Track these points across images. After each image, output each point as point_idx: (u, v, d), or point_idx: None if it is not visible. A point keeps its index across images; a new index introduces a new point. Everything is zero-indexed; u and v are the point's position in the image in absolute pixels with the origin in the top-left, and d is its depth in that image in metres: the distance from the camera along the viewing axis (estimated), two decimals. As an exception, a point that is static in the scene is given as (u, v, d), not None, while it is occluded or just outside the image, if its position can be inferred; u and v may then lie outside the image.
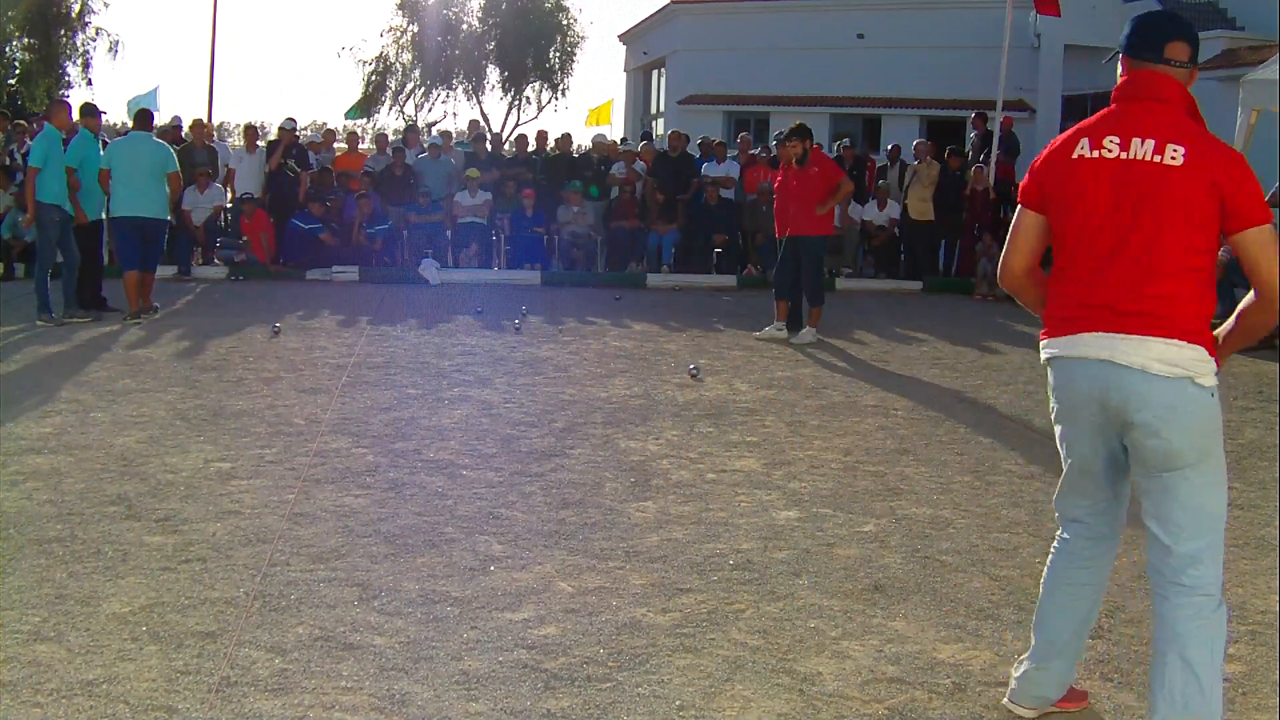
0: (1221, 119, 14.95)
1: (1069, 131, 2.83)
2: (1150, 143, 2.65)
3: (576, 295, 12.54)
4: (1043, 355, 2.84)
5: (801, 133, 9.73)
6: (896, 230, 14.57)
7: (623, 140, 16.34)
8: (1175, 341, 2.60)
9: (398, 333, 9.42)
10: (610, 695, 3.02)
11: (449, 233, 14.49)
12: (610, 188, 14.78)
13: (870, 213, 14.71)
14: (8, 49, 28.69)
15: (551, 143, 15.58)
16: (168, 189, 9.79)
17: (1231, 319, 2.77)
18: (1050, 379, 2.83)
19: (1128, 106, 2.75)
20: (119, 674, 3.04)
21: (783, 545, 4.31)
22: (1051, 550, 3.03)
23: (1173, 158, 2.62)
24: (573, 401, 6.82)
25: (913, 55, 24.02)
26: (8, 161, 13.59)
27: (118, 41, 30.03)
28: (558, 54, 33.66)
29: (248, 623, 3.41)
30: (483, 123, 32.07)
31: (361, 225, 13.81)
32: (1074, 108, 23.01)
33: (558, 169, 14.84)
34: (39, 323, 9.19)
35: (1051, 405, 2.87)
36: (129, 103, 17.41)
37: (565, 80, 34.30)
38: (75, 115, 10.38)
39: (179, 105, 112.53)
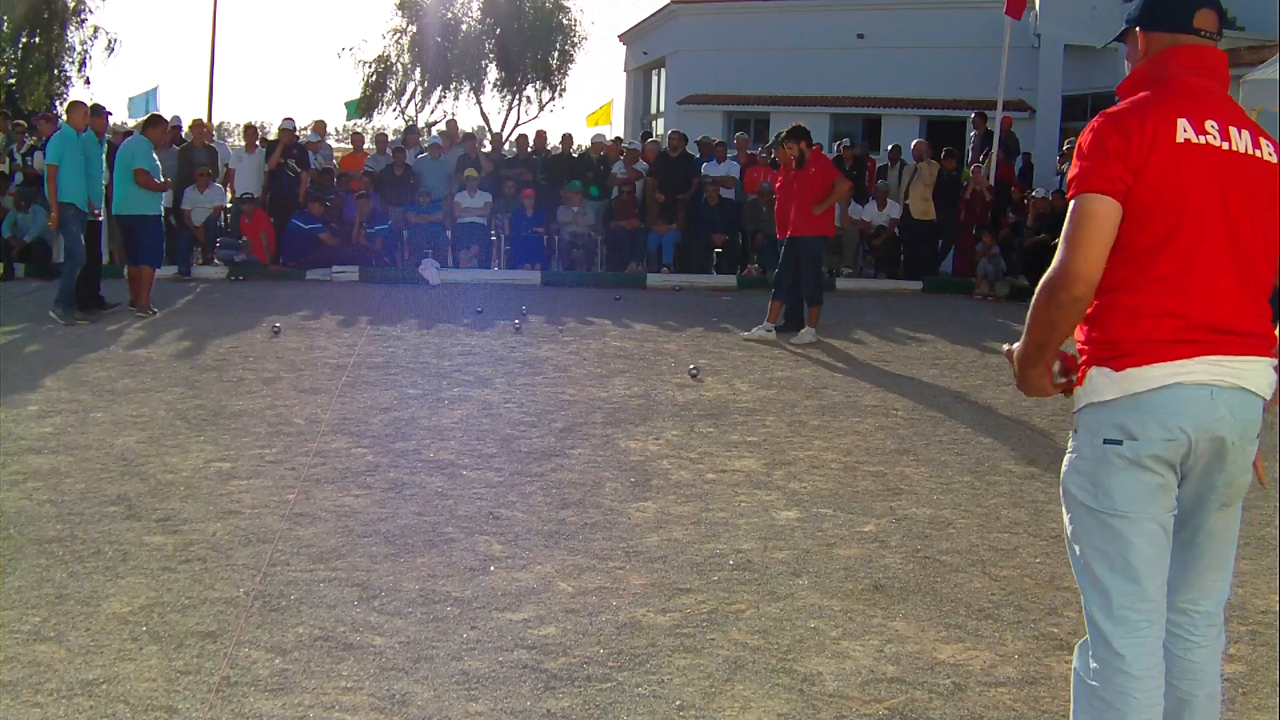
0: (1221, 119, 14.98)
1: (1139, 107, 2.27)
2: (1246, 134, 2.27)
3: (576, 295, 12.54)
4: (1130, 385, 2.22)
5: (798, 134, 9.73)
6: (896, 230, 14.58)
7: (617, 140, 16.34)
8: (1274, 362, 2.31)
9: (398, 333, 9.42)
10: (610, 695, 3.02)
11: (449, 233, 14.50)
12: (610, 188, 14.79)
13: (870, 213, 14.72)
14: (6, 49, 28.67)
15: (553, 143, 15.59)
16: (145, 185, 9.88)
17: None
18: (1140, 414, 2.22)
19: (1196, 84, 2.29)
20: (119, 674, 3.04)
21: (783, 545, 4.31)
22: (1116, 684, 2.27)
23: (1269, 155, 2.30)
24: (573, 401, 6.82)
25: (913, 55, 24.01)
26: (7, 162, 13.60)
27: (115, 40, 30.04)
28: (558, 54, 33.68)
29: (248, 623, 3.41)
30: (483, 122, 32.12)
31: (361, 225, 13.82)
32: (1074, 108, 22.99)
33: (558, 169, 14.85)
34: (57, 318, 9.16)
35: (1126, 451, 2.23)
36: (130, 102, 17.41)
37: (565, 80, 34.35)
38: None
39: (179, 105, 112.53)
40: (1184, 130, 2.22)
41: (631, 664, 3.22)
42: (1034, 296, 2.27)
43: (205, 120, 15.72)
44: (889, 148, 16.47)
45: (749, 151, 15.77)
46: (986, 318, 11.49)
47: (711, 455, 5.64)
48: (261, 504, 4.60)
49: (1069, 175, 2.30)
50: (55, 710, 2.83)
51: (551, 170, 14.88)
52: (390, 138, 16.59)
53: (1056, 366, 2.35)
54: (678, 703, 2.99)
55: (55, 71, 29.32)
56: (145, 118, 10.72)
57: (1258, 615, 3.75)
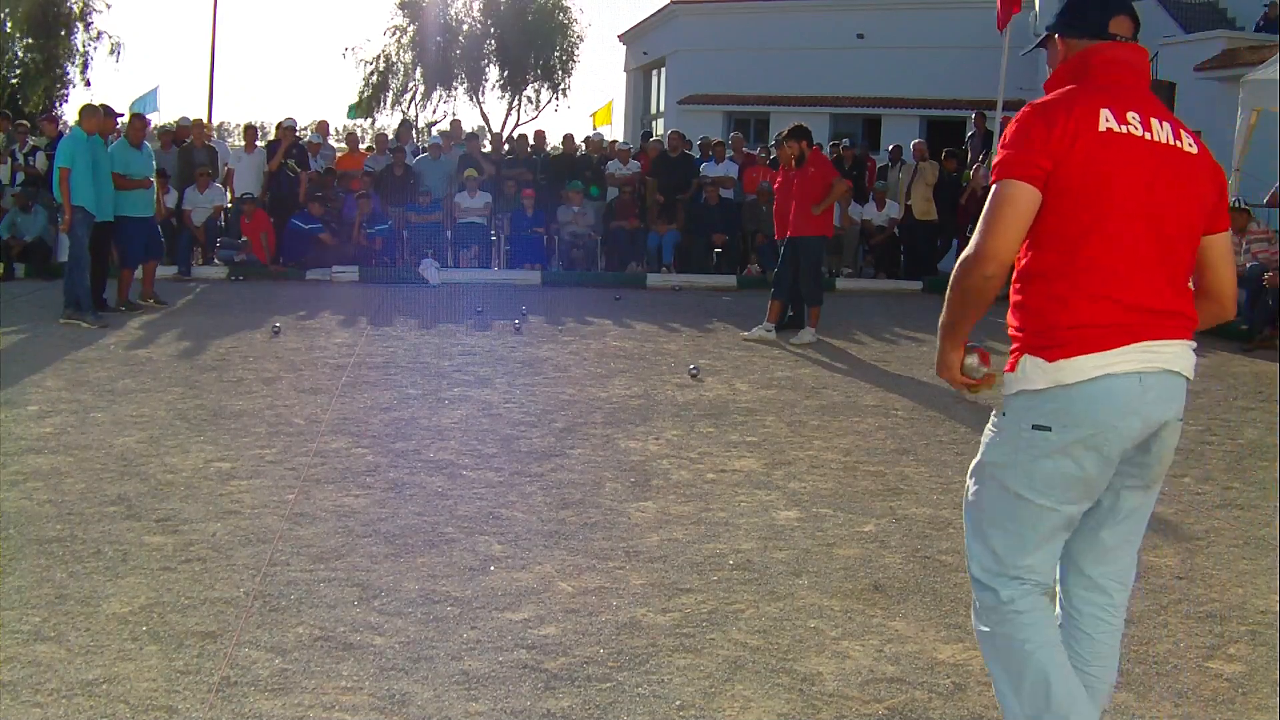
0: (1221, 119, 14.97)
1: (1064, 99, 2.34)
2: (1167, 125, 2.36)
3: (576, 295, 12.54)
4: (1061, 377, 2.29)
5: (798, 134, 9.73)
6: (896, 230, 14.58)
7: (614, 143, 16.34)
8: (1193, 343, 2.41)
9: (398, 333, 9.42)
10: (610, 695, 3.02)
11: (449, 233, 14.50)
12: (608, 187, 14.80)
13: (870, 213, 14.73)
14: (9, 49, 28.68)
15: (555, 142, 15.61)
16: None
17: None
18: (1072, 405, 2.29)
19: (1120, 77, 2.39)
20: (119, 674, 3.04)
21: (783, 545, 4.31)
22: (1009, 622, 2.42)
23: (1190, 146, 2.38)
24: (573, 401, 6.82)
25: (913, 55, 24.02)
26: (9, 162, 13.60)
27: (120, 44, 30.08)
28: (558, 54, 33.70)
29: (248, 623, 3.41)
30: (483, 122, 32.10)
31: (361, 225, 13.82)
32: (1074, 108, 23.00)
33: (558, 169, 14.85)
34: (79, 323, 9.16)
35: (1056, 438, 2.31)
36: (131, 104, 17.42)
37: (565, 80, 34.38)
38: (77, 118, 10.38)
39: (179, 105, 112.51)
40: (1106, 120, 2.29)
41: (631, 664, 3.22)
42: (951, 274, 2.36)
43: (205, 120, 15.66)
44: (890, 148, 16.47)
45: (746, 151, 15.77)
46: (986, 318, 11.45)
47: (711, 455, 5.64)
48: (261, 504, 4.60)
49: (993, 163, 2.37)
50: (55, 710, 2.83)
51: (551, 170, 14.89)
52: (390, 138, 16.58)
53: (973, 359, 2.45)
54: (678, 703, 2.99)
55: (57, 73, 29.34)
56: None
57: (1258, 615, 3.75)
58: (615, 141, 16.66)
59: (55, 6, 28.25)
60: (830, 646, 3.38)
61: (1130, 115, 2.31)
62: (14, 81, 28.77)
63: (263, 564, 3.91)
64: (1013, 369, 2.39)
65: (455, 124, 17.64)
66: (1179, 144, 2.36)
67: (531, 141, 15.98)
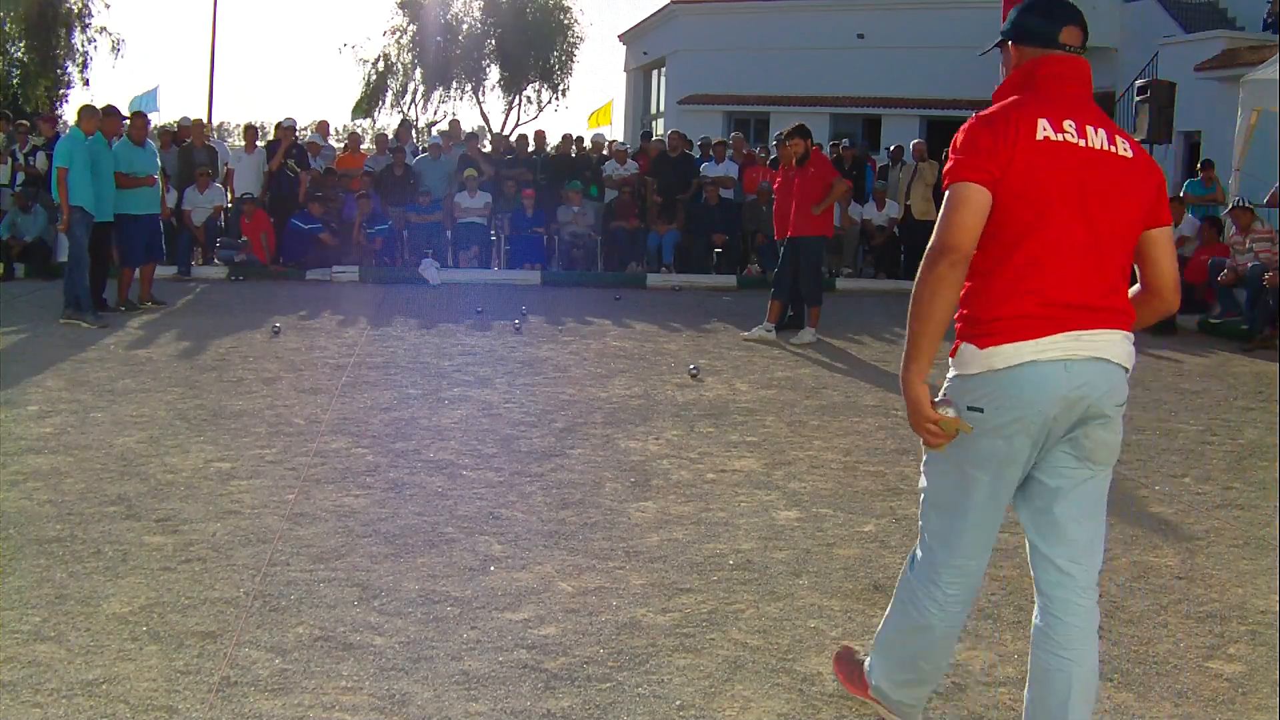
0: (1221, 119, 14.98)
1: (1007, 110, 2.50)
2: (1102, 132, 2.51)
3: (576, 295, 12.54)
4: (992, 362, 2.44)
5: (802, 133, 9.73)
6: (896, 230, 14.58)
7: (612, 143, 16.35)
8: (1131, 336, 2.54)
9: (398, 333, 9.42)
10: (610, 695, 3.02)
11: (449, 233, 14.50)
12: (605, 187, 14.80)
13: (870, 213, 14.72)
14: (8, 49, 28.68)
15: (555, 142, 15.60)
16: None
17: None
18: (1001, 388, 2.44)
19: (1059, 89, 2.54)
20: (119, 674, 3.04)
21: (783, 545, 4.31)
22: (925, 585, 2.65)
23: (1125, 150, 2.53)
24: (573, 401, 6.82)
25: (913, 55, 24.01)
26: (9, 162, 13.60)
27: (121, 42, 30.08)
28: (558, 54, 33.69)
29: (248, 623, 3.41)
30: (483, 122, 32.09)
31: (361, 225, 13.82)
32: (1074, 108, 22.99)
33: (558, 169, 14.85)
34: (80, 323, 9.17)
35: (988, 419, 2.45)
36: (130, 101, 17.42)
37: (565, 80, 34.37)
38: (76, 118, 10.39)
39: (179, 105, 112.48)
40: (1044, 129, 2.45)
41: (631, 664, 3.22)
42: (917, 274, 2.46)
43: (205, 120, 15.66)
44: (890, 148, 16.47)
45: (746, 151, 15.77)
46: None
47: (711, 455, 5.64)
48: (261, 504, 4.60)
49: (944, 169, 2.53)
50: (55, 710, 2.83)
51: (551, 170, 14.89)
52: (389, 137, 16.59)
53: (949, 411, 2.47)
54: (678, 703, 2.99)
55: (57, 73, 29.34)
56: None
57: (1258, 615, 3.75)
58: (613, 142, 16.66)
59: (53, 6, 28.24)
60: (830, 646, 3.37)
61: (1067, 124, 2.47)
62: (14, 82, 28.77)
63: (263, 564, 3.91)
64: (954, 355, 2.55)
65: (455, 124, 17.64)
66: (1114, 149, 2.50)
67: (531, 142, 15.99)
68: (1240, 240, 11.00)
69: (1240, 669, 3.32)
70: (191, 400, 6.52)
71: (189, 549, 4.04)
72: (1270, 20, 18.27)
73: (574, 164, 15.00)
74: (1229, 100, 14.02)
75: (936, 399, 2.49)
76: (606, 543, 4.26)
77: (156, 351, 8.19)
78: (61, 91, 29.81)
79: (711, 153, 15.32)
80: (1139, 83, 15.78)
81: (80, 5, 29.12)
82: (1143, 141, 14.90)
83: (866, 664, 2.85)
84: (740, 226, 14.60)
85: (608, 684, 3.09)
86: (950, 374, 2.56)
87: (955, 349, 2.54)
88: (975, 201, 2.43)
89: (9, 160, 13.59)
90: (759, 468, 5.44)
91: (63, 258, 10.59)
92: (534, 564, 4.01)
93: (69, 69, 29.70)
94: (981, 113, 2.53)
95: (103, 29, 29.71)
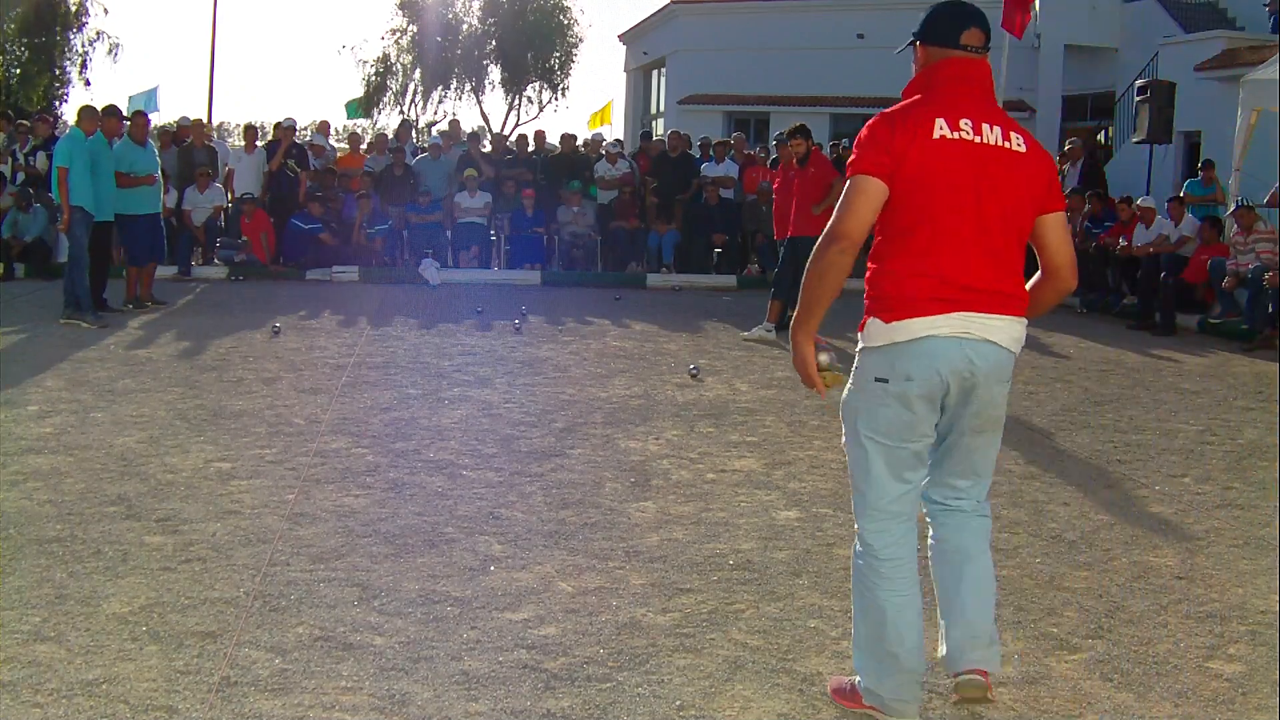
0: (1221, 119, 14.97)
1: (907, 110, 2.74)
2: (997, 129, 2.74)
3: (576, 295, 12.54)
4: (895, 336, 2.69)
5: (803, 133, 9.75)
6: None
7: (600, 142, 16.34)
8: (1023, 321, 2.79)
9: (398, 333, 9.42)
10: (610, 695, 3.02)
11: (449, 233, 14.50)
12: (599, 188, 14.79)
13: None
14: (7, 49, 28.68)
15: (554, 142, 15.60)
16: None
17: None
18: (903, 359, 2.70)
19: (957, 89, 2.77)
20: (119, 674, 3.04)
21: (783, 545, 4.31)
22: (867, 563, 2.84)
23: (1018, 145, 2.75)
24: (573, 401, 6.82)
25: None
26: (9, 162, 13.60)
27: (118, 44, 30.08)
28: (558, 54, 33.68)
29: (248, 623, 3.40)
30: (483, 122, 32.08)
31: (361, 225, 13.82)
32: (1074, 108, 23.00)
33: (558, 169, 14.85)
34: (80, 323, 9.16)
35: (891, 388, 2.72)
36: (130, 101, 17.43)
37: (565, 80, 34.36)
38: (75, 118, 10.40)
39: (179, 105, 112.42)
40: (940, 128, 2.70)
41: (631, 664, 3.22)
42: (811, 254, 2.77)
43: (205, 120, 15.66)
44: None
45: (746, 151, 15.78)
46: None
47: (711, 455, 5.64)
48: (261, 504, 4.60)
49: (848, 162, 2.79)
50: (55, 710, 2.83)
51: (551, 170, 14.89)
52: (389, 137, 16.59)
53: (826, 356, 2.82)
54: (678, 703, 2.99)
55: (56, 73, 29.34)
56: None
57: (1258, 615, 3.75)
58: (602, 141, 16.68)
59: (51, 7, 28.24)
60: (830, 646, 3.37)
61: (963, 122, 2.71)
62: (13, 82, 28.76)
63: (263, 564, 3.91)
64: (862, 329, 2.80)
65: (455, 124, 17.65)
66: (1007, 144, 2.74)
67: (531, 142, 15.99)
68: (1242, 240, 11.00)
69: (1240, 669, 3.32)
70: (191, 400, 6.52)
71: (189, 549, 4.04)
72: (1271, 16, 18.26)
73: (574, 164, 15.00)
74: (1229, 100, 14.02)
75: (818, 349, 2.80)
76: (606, 543, 4.26)
77: (156, 351, 8.19)
78: (61, 91, 29.80)
79: (711, 153, 15.32)
80: (1139, 83, 15.81)
81: (77, 5, 29.11)
82: (1142, 141, 14.94)
83: (857, 678, 2.95)
84: (740, 226, 14.59)
85: (608, 684, 3.09)
86: (859, 347, 2.82)
87: (862, 324, 2.78)
88: (869, 193, 2.69)
89: (9, 160, 13.60)
90: (759, 468, 5.44)
91: (63, 258, 10.59)
92: (534, 564, 4.01)
93: (68, 69, 29.70)
94: (885, 111, 2.78)
95: (100, 33, 29.73)
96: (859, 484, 2.86)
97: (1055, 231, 2.84)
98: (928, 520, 2.96)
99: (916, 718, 2.89)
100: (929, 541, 2.96)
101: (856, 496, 2.88)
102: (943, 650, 2.89)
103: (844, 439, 2.89)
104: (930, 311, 2.68)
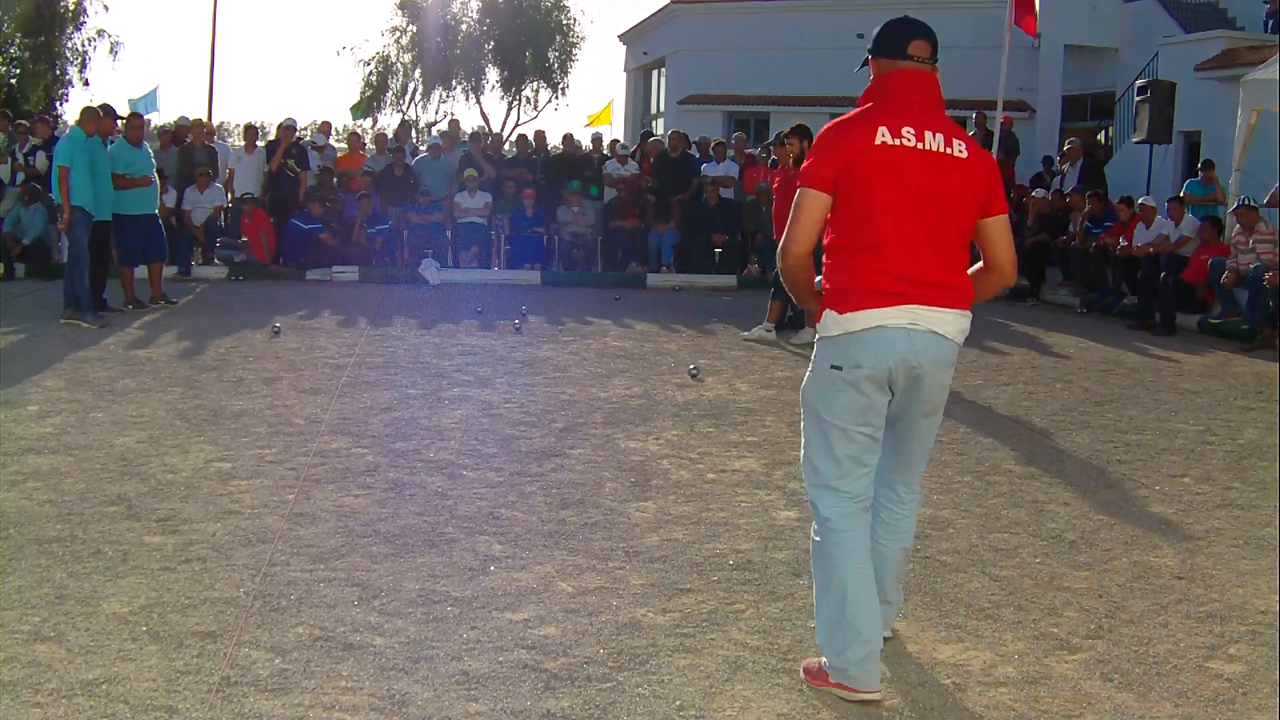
0: (1221, 119, 14.97)
1: (853, 119, 2.99)
2: (940, 136, 2.97)
3: (576, 295, 12.54)
4: (848, 326, 2.93)
5: (801, 132, 9.73)
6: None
7: (615, 143, 16.35)
8: (967, 314, 3.02)
9: (398, 333, 9.42)
10: (610, 695, 3.02)
11: (449, 233, 14.50)
12: (605, 187, 14.79)
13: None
14: (7, 48, 28.68)
15: (554, 143, 15.61)
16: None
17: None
18: (855, 348, 2.94)
19: (903, 98, 3.00)
20: (119, 674, 3.04)
21: (783, 545, 4.31)
22: (826, 538, 3.05)
23: (960, 151, 2.98)
24: (573, 401, 6.82)
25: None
26: (9, 162, 13.60)
27: (118, 43, 30.08)
28: (557, 54, 33.68)
29: (248, 623, 3.40)
30: (483, 122, 32.07)
31: (361, 225, 13.82)
32: (1074, 108, 22.99)
33: (558, 169, 14.85)
34: (84, 325, 9.16)
35: (845, 375, 2.96)
36: (130, 103, 17.44)
37: (565, 80, 34.36)
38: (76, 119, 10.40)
39: (179, 105, 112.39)
40: (882, 135, 2.93)
41: (631, 664, 3.22)
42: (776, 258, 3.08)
43: (206, 120, 15.65)
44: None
45: (746, 151, 15.78)
46: (985, 317, 11.48)
47: (711, 455, 5.64)
48: (261, 504, 4.60)
49: (801, 168, 3.02)
50: (55, 710, 2.83)
51: (551, 170, 14.89)
52: (389, 137, 16.59)
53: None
54: (678, 703, 2.99)
55: (56, 73, 29.33)
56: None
57: (1257, 615, 3.75)
58: (615, 142, 16.67)
59: (51, 6, 28.23)
60: (830, 646, 3.37)
61: (905, 130, 2.94)
62: (12, 81, 28.76)
63: (263, 564, 3.91)
64: (818, 320, 3.05)
65: (455, 124, 17.66)
66: (949, 150, 2.97)
67: (532, 142, 15.98)
68: (1244, 240, 10.99)
69: (1240, 669, 3.32)
70: (191, 400, 6.52)
71: (189, 549, 4.04)
72: (1270, 19, 18.27)
73: (574, 164, 15.00)
74: (1229, 100, 14.01)
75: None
76: (606, 543, 4.26)
77: (156, 351, 8.19)
78: (61, 91, 29.80)
79: (711, 153, 15.32)
80: (1139, 83, 15.80)
81: (75, 4, 29.11)
82: (1142, 141, 14.94)
83: (824, 659, 3.09)
84: (740, 226, 14.59)
85: (608, 684, 3.09)
86: (816, 337, 3.07)
87: (818, 316, 3.04)
88: (811, 209, 2.96)
89: (9, 160, 13.59)
90: (759, 468, 5.44)
91: (63, 258, 10.58)
92: (534, 564, 4.01)
93: (68, 69, 29.69)
94: (835, 119, 3.04)
95: (101, 31, 29.72)
96: (817, 465, 3.07)
97: (996, 232, 3.07)
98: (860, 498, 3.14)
99: (878, 688, 3.02)
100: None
101: (813, 477, 3.09)
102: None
103: (802, 423, 3.13)
104: (880, 304, 2.91)
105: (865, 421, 3.01)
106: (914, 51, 3.04)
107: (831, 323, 2.98)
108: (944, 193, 2.95)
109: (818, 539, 3.07)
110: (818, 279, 3.10)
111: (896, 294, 2.91)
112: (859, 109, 3.06)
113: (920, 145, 2.94)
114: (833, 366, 2.99)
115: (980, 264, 3.15)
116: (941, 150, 2.96)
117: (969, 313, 3.03)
